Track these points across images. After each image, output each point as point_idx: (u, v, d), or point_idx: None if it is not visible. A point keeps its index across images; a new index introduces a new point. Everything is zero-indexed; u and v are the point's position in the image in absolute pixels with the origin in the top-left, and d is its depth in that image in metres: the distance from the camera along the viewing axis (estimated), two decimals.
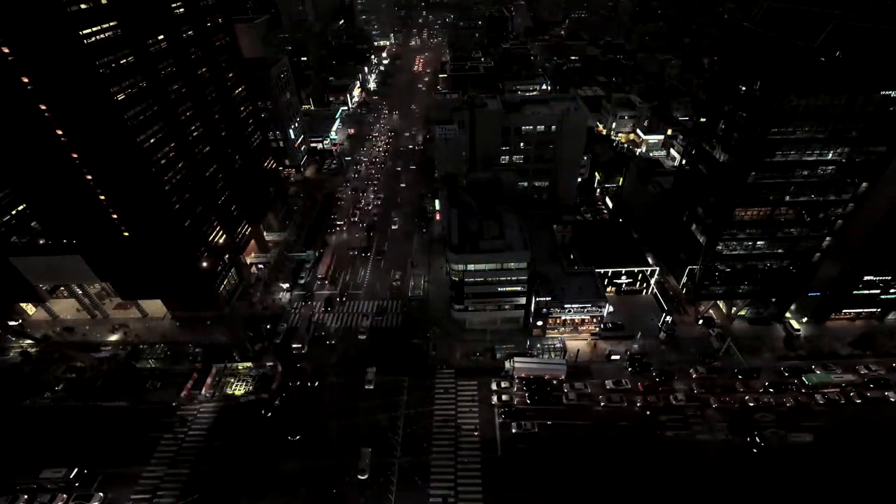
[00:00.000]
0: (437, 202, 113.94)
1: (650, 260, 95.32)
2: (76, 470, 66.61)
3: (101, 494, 64.74)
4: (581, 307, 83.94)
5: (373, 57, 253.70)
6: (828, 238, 79.93)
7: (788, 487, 63.93)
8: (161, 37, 77.13)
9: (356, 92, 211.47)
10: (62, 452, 69.83)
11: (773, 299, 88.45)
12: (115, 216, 77.45)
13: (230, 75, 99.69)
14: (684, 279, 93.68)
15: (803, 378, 77.85)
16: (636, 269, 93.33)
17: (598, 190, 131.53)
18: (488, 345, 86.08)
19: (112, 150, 70.02)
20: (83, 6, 61.81)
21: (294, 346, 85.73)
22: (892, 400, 74.90)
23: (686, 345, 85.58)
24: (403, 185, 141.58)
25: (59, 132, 67.97)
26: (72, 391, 79.48)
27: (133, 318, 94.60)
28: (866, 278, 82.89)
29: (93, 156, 70.88)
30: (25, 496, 64.48)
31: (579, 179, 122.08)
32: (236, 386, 79.29)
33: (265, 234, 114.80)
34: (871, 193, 73.35)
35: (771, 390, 76.85)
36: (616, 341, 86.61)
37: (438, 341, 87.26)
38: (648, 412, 74.08)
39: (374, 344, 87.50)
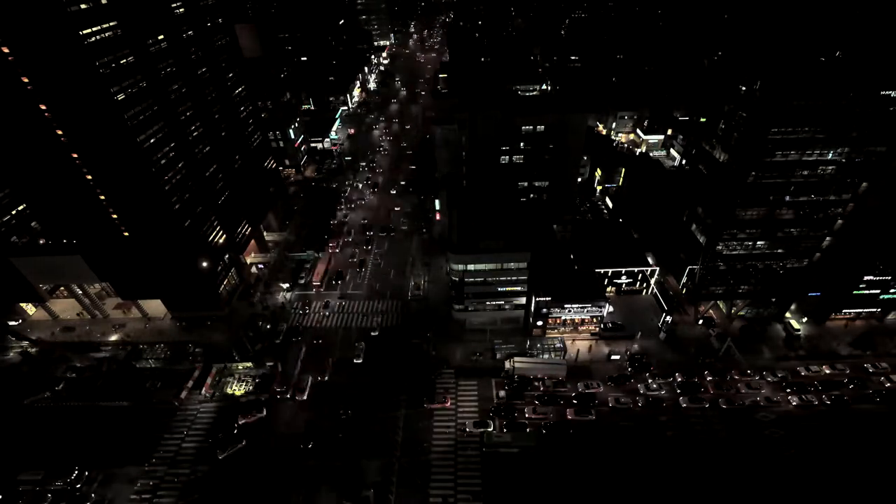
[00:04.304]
0: (437, 202, 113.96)
1: (650, 260, 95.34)
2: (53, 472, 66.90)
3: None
4: (581, 307, 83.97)
5: (373, 57, 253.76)
6: (828, 238, 79.97)
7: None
8: (161, 37, 77.15)
9: (356, 92, 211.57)
10: (62, 452, 69.97)
11: (773, 299, 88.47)
12: (115, 216, 77.45)
13: (230, 75, 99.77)
14: (684, 279, 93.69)
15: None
16: (636, 269, 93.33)
17: (599, 190, 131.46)
18: (488, 345, 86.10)
19: (112, 150, 70.01)
20: (83, 6, 61.82)
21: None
22: None
23: (686, 345, 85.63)
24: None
25: (59, 132, 67.97)
26: (72, 391, 79.51)
27: (133, 318, 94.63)
28: (866, 278, 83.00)
29: (93, 156, 70.89)
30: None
31: (579, 179, 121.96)
32: (236, 386, 79.32)
33: (265, 234, 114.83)
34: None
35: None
36: (616, 341, 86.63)
37: (438, 341, 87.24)
38: None
39: (373, 343, 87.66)
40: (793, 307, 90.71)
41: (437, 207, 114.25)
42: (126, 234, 79.32)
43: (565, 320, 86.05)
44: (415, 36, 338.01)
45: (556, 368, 79.05)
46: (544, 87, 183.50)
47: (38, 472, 67.01)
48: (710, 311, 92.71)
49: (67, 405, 77.40)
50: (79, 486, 65.78)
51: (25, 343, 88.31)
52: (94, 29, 62.85)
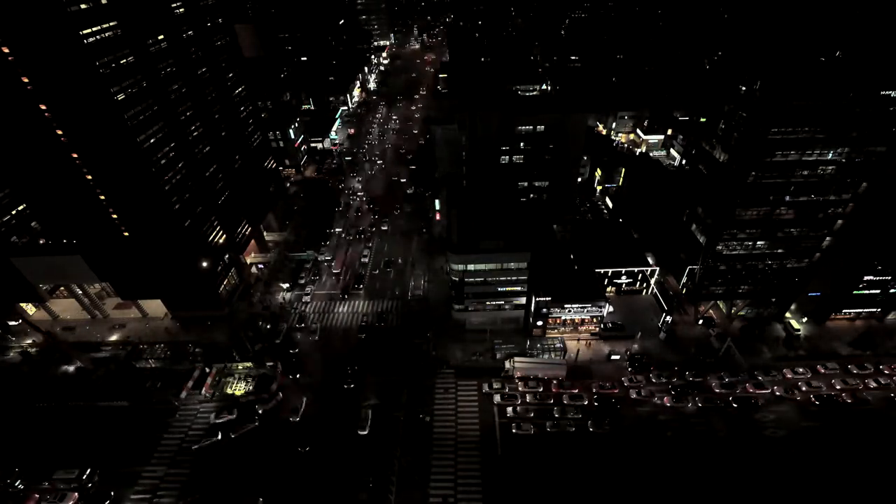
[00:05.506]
0: (437, 202, 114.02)
1: (650, 260, 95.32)
2: (88, 471, 67.16)
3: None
4: (581, 307, 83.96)
5: (373, 57, 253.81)
6: (828, 238, 79.98)
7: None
8: (161, 37, 77.17)
9: (356, 92, 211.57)
10: (64, 452, 70.03)
11: (773, 299, 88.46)
12: (115, 216, 77.45)
13: (230, 75, 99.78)
14: (684, 279, 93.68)
15: None
16: (636, 269, 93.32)
17: (599, 190, 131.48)
18: (488, 345, 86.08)
19: (112, 150, 70.01)
20: (83, 6, 61.84)
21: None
22: None
23: (686, 345, 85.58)
24: None
25: (59, 132, 67.98)
26: (72, 391, 79.42)
27: (133, 318, 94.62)
28: (866, 278, 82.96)
29: (93, 156, 70.89)
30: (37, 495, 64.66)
31: (579, 179, 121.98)
32: (236, 386, 79.32)
33: (265, 234, 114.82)
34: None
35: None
36: (616, 341, 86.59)
37: (438, 341, 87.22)
38: None
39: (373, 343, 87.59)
40: (793, 307, 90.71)
41: (437, 207, 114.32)
42: (126, 234, 79.31)
43: (565, 320, 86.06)
44: (414, 37, 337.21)
45: (556, 368, 79.07)
46: (544, 87, 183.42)
47: (72, 471, 66.78)
48: (710, 311, 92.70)
49: (67, 405, 77.21)
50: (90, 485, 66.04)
51: (32, 339, 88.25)
52: (94, 29, 62.83)
